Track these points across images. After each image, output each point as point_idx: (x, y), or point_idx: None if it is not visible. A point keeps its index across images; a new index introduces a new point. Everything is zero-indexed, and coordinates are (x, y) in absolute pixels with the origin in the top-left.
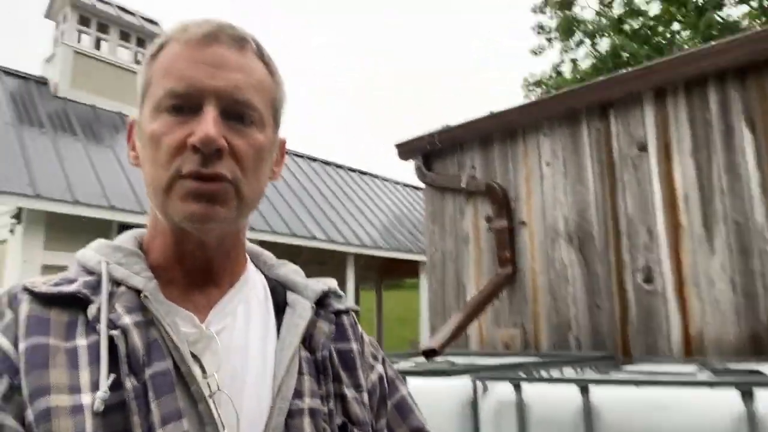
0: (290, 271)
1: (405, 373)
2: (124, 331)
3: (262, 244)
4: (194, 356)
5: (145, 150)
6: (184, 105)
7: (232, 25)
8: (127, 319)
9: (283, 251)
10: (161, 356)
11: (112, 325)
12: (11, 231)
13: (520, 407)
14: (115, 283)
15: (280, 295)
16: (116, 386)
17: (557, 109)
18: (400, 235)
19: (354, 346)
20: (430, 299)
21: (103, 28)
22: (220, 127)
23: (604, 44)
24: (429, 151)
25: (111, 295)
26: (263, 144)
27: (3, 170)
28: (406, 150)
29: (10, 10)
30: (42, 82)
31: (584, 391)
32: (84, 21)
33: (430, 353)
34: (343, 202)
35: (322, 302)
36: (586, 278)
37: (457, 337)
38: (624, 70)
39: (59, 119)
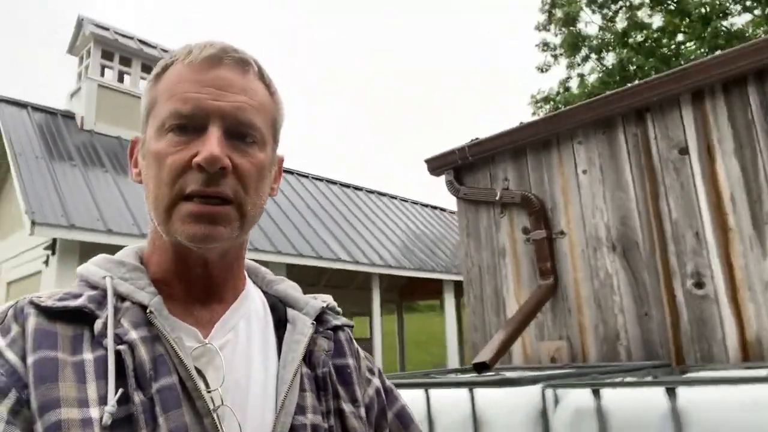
0: (289, 287)
1: (471, 384)
2: (131, 346)
3: (289, 267)
4: (198, 371)
5: (150, 168)
6: (189, 125)
7: (235, 47)
8: (134, 335)
9: (309, 274)
10: (167, 371)
11: (118, 340)
12: (45, 263)
13: (600, 414)
14: (120, 298)
15: (280, 311)
16: (123, 400)
17: (591, 117)
18: (421, 253)
19: (350, 361)
20: (467, 316)
21: (125, 61)
22: (224, 146)
23: (610, 58)
24: (460, 165)
25: (116, 310)
26: (264, 162)
27: (37, 203)
28: (436, 165)
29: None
30: (69, 116)
31: (671, 392)
32: (107, 55)
33: (481, 367)
34: (364, 223)
35: (320, 318)
36: (633, 286)
37: (505, 350)
38: (655, 76)
39: (87, 151)
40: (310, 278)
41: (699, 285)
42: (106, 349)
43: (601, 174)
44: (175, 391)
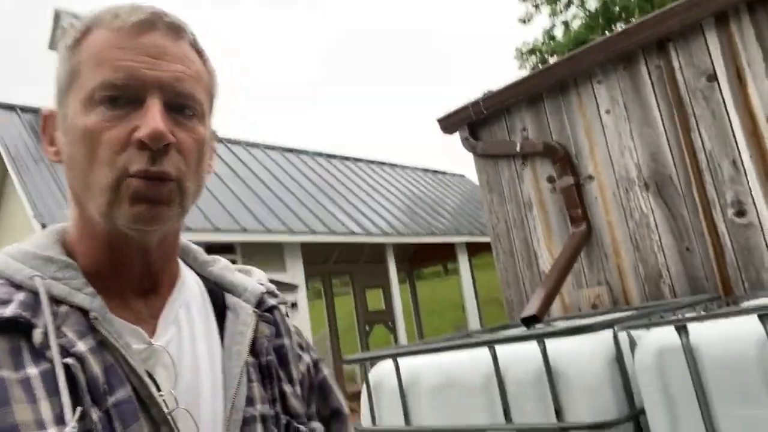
0: (224, 268)
1: (541, 336)
2: (80, 359)
3: (303, 246)
4: (148, 374)
5: (77, 146)
6: (122, 97)
7: (165, 11)
8: (81, 346)
9: (320, 251)
10: (120, 382)
11: (64, 351)
12: None
13: (689, 352)
14: (55, 300)
15: (218, 297)
16: (80, 417)
17: (610, 53)
18: (429, 218)
19: (286, 341)
20: (499, 272)
21: None
22: (166, 119)
23: (592, 2)
24: (474, 121)
25: (54, 316)
26: (205, 137)
27: (43, 206)
28: (449, 123)
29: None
30: None
31: (765, 319)
32: None
33: (530, 320)
34: (369, 193)
35: (258, 300)
36: (671, 222)
37: (551, 301)
38: (675, 3)
39: None
40: (321, 256)
41: (740, 213)
42: (50, 362)
43: (626, 112)
44: (132, 404)
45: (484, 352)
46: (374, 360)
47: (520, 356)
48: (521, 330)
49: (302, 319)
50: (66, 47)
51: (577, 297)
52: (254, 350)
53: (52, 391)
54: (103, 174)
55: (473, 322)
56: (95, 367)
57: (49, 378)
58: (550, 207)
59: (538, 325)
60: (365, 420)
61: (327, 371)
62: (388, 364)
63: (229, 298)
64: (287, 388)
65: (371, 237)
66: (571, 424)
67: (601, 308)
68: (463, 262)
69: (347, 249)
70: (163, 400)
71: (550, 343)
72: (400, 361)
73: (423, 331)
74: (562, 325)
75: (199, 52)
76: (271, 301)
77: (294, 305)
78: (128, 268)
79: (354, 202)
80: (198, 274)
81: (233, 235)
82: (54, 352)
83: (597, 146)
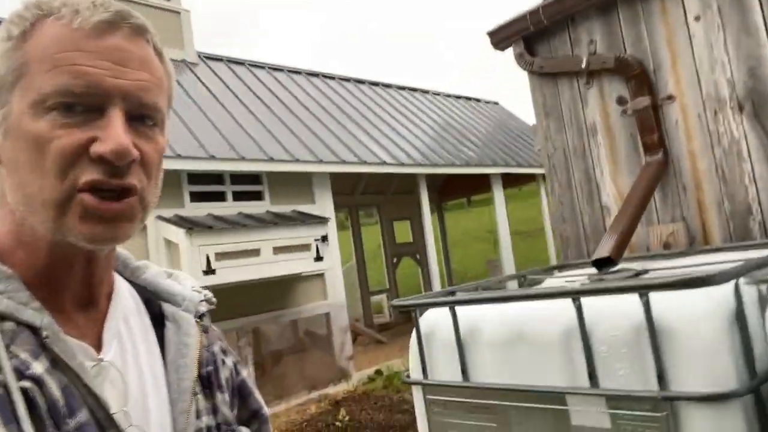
0: (156, 275)
1: (643, 288)
2: (38, 382)
3: (332, 176)
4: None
5: (21, 152)
6: (80, 104)
7: (129, 9)
8: (38, 368)
9: (348, 183)
10: (78, 405)
11: (19, 374)
12: None
13: None
14: None
15: (154, 306)
16: None
17: None
18: (465, 148)
19: (215, 348)
20: (553, 206)
21: None
22: (128, 133)
23: None
24: (531, 34)
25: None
26: (164, 147)
27: None
28: (501, 37)
29: None
30: None
31: None
32: None
33: (604, 263)
34: (401, 121)
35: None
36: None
37: (628, 241)
38: None
39: None
40: (348, 187)
41: None
42: (4, 386)
43: (720, 18)
44: (91, 426)
45: (561, 302)
46: (426, 307)
47: (611, 309)
48: (586, 272)
49: (332, 253)
50: (9, 36)
51: (645, 234)
52: (197, 361)
53: (9, 419)
54: (50, 186)
55: (506, 256)
56: (54, 391)
57: (4, 404)
58: (618, 133)
59: (615, 268)
60: (415, 372)
61: (245, 373)
62: (442, 311)
63: (167, 308)
64: (218, 396)
65: (403, 167)
66: (677, 394)
67: (675, 248)
68: (497, 193)
69: (375, 179)
70: (115, 420)
71: (661, 297)
72: (459, 310)
73: (451, 265)
74: (649, 269)
75: (160, 54)
76: (203, 308)
77: (324, 239)
78: (70, 279)
79: (385, 131)
80: (130, 282)
81: (259, 165)
82: (8, 375)
83: (681, 60)
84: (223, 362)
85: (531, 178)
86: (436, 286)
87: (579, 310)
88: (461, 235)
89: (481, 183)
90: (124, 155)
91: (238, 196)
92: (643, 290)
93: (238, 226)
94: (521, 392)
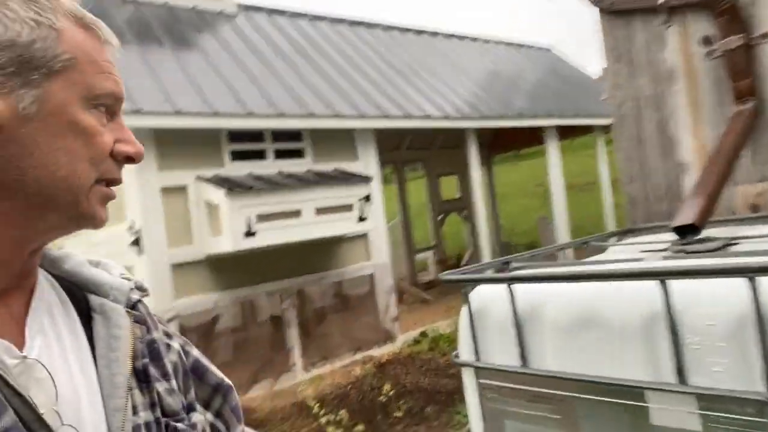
0: (78, 264)
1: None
2: None
3: (376, 132)
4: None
5: (64, 137)
6: (109, 107)
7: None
8: None
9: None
10: (2, 408)
11: None
12: None
13: None
14: None
15: (79, 298)
16: None
17: None
18: (516, 98)
19: (155, 335)
20: (621, 163)
21: None
22: None
23: None
24: None
25: None
26: None
27: None
28: None
29: None
30: None
31: None
32: None
33: (687, 230)
34: (448, 71)
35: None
36: None
37: (713, 206)
38: None
39: (137, 26)
40: (393, 142)
41: None
42: None
43: None
44: (18, 429)
45: (639, 282)
46: (479, 283)
47: (705, 293)
48: (660, 240)
49: (376, 213)
50: (38, 22)
51: (730, 195)
52: (131, 354)
53: None
54: (86, 173)
55: (559, 214)
56: None
57: None
58: (702, 79)
59: (698, 237)
60: (465, 352)
61: (196, 351)
62: (496, 287)
63: (94, 300)
64: (159, 386)
65: (451, 121)
66: None
67: (764, 211)
68: (551, 147)
69: (421, 134)
70: (44, 420)
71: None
72: (518, 288)
73: (499, 221)
74: (738, 237)
75: None
76: (135, 296)
77: (367, 198)
78: (3, 267)
79: (432, 82)
80: (50, 274)
81: (300, 121)
82: None
83: None
84: (168, 347)
85: (587, 129)
86: (485, 246)
87: (665, 293)
88: (509, 189)
89: (534, 136)
90: (142, 158)
91: (279, 155)
92: (752, 273)
93: (278, 186)
94: (591, 384)
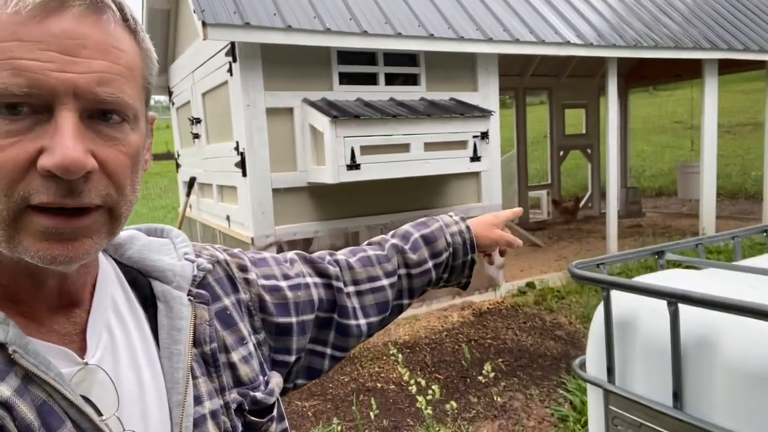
0: (143, 248)
1: None
2: (7, 407)
3: (501, 58)
4: (84, 398)
5: None
6: (24, 105)
7: None
8: (5, 391)
9: (518, 63)
10: (59, 422)
11: None
12: (229, 71)
13: None
14: None
15: (143, 287)
16: None
17: None
18: (669, 20)
19: (227, 301)
20: None
21: None
22: (84, 138)
23: None
24: None
25: None
26: (139, 145)
27: (207, 0)
28: None
29: None
30: None
31: None
32: None
33: None
34: None
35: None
36: None
37: None
38: None
39: None
40: (517, 67)
41: None
42: None
43: None
44: None
45: None
46: (625, 289)
47: None
48: None
49: (491, 152)
50: None
51: None
52: (195, 340)
53: None
54: None
55: (708, 163)
56: (27, 413)
57: None
58: None
59: None
60: (594, 365)
61: (267, 254)
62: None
63: (158, 287)
64: (235, 354)
65: (593, 49)
66: None
67: None
68: (710, 84)
69: (551, 59)
70: (106, 425)
71: None
72: (686, 309)
73: (628, 162)
74: None
75: (133, 30)
76: (200, 273)
77: (484, 136)
78: (42, 289)
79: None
80: (115, 261)
81: (417, 43)
82: None
83: None
84: (248, 282)
85: (758, 64)
86: (612, 191)
87: None
88: (641, 124)
89: (686, 68)
90: (73, 169)
91: (391, 79)
92: None
93: (387, 117)
94: None
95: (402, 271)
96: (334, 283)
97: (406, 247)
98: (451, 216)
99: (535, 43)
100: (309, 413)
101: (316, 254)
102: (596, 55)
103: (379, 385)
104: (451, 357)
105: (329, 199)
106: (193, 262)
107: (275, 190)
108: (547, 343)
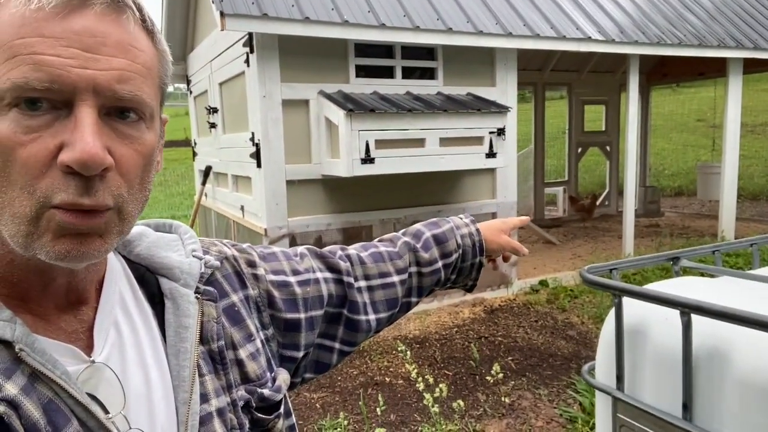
0: (151, 245)
1: None
2: (14, 406)
3: (520, 53)
4: (91, 396)
5: None
6: (44, 101)
7: None
8: (12, 389)
9: (537, 58)
10: (65, 420)
11: None
12: (246, 62)
13: None
14: None
15: (151, 284)
16: None
17: None
18: (694, 17)
19: (235, 297)
20: None
21: None
22: (102, 134)
23: None
24: None
25: None
26: (153, 145)
27: None
28: None
29: None
30: None
31: None
32: None
33: None
34: None
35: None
36: None
37: None
38: None
39: None
40: (537, 62)
41: None
42: None
43: None
44: None
45: None
46: (637, 297)
47: None
48: None
49: (508, 149)
50: None
51: None
52: (202, 338)
53: None
54: (19, 201)
55: (730, 163)
56: (33, 411)
57: None
58: None
59: None
60: (604, 372)
61: (276, 249)
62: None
63: (165, 284)
64: (243, 351)
65: (616, 46)
66: None
67: None
68: (734, 83)
69: (571, 55)
70: (112, 423)
71: None
72: (699, 320)
73: (647, 160)
74: None
75: (150, 31)
76: (207, 270)
77: (501, 132)
78: (50, 287)
79: None
80: (123, 257)
81: (435, 37)
82: None
83: None
84: (256, 277)
85: None
86: (630, 190)
87: None
88: (662, 122)
89: (710, 66)
90: (92, 164)
91: (408, 73)
92: None
93: (403, 111)
94: None
95: (413, 269)
96: (345, 278)
97: (418, 246)
98: (461, 218)
99: (555, 39)
100: (317, 405)
101: (327, 249)
102: (617, 51)
103: (387, 379)
104: (460, 353)
105: (343, 192)
106: (200, 259)
107: (289, 182)
108: (558, 343)
